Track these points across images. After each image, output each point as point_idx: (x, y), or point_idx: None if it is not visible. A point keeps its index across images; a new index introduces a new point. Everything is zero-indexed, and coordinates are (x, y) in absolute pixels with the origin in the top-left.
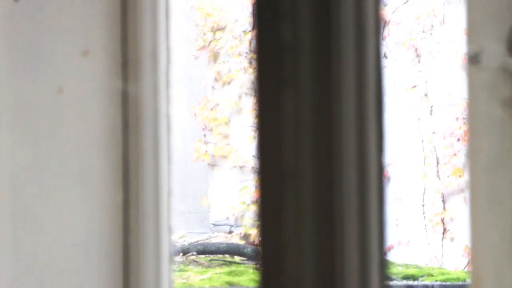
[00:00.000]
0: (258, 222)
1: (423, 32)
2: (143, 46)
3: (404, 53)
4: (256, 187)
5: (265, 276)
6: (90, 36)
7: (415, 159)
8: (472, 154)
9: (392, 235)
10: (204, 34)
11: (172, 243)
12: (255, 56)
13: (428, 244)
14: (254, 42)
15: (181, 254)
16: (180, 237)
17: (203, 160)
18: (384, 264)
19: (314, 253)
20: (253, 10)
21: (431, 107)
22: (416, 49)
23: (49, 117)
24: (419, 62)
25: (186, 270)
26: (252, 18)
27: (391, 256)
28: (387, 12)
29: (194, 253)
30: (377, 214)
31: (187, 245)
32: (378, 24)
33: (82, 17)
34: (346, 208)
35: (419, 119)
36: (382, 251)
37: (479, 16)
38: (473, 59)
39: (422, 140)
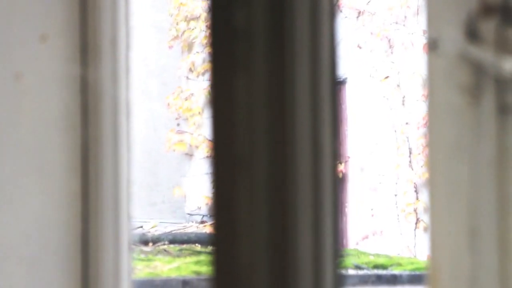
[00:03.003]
0: (211, 210)
1: (396, 23)
2: (102, 32)
3: (378, 44)
4: (210, 174)
5: (217, 264)
6: (49, 22)
7: (388, 149)
8: (431, 142)
9: (367, 225)
10: (178, 23)
11: (131, 232)
12: (208, 41)
13: (401, 234)
14: (208, 27)
15: (150, 243)
16: (151, 227)
17: (174, 150)
18: (338, 253)
19: (267, 241)
20: None
21: (404, 97)
22: (389, 40)
23: (5, 104)
24: (392, 53)
25: (155, 260)
26: (206, 3)
27: (364, 246)
28: (361, 2)
29: (166, 242)
30: (331, 201)
31: (156, 234)
32: (333, 8)
33: (40, 2)
34: (300, 195)
35: (391, 109)
36: (336, 240)
37: (438, 2)
38: (432, 46)
39: (395, 131)
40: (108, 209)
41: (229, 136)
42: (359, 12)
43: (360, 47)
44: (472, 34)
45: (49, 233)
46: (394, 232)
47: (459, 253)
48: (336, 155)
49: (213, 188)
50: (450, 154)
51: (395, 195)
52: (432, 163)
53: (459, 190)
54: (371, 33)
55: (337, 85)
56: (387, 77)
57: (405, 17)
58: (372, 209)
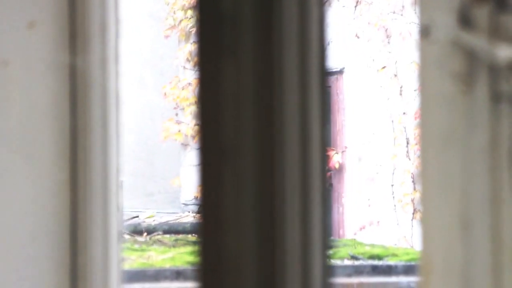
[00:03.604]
0: (199, 199)
1: (394, 13)
2: (91, 19)
3: (375, 34)
4: (197, 163)
5: (204, 255)
6: (37, 8)
7: (385, 139)
8: (424, 131)
9: (364, 216)
10: (174, 12)
11: (121, 221)
12: (196, 27)
13: (398, 224)
14: (195, 13)
15: (145, 234)
16: (148, 217)
17: (172, 140)
18: (327, 243)
19: (254, 231)
20: None
21: (401, 87)
22: (386, 30)
23: None
24: (389, 42)
25: (149, 250)
26: None
27: (361, 236)
28: None
29: (160, 232)
30: (319, 191)
31: (152, 225)
32: None
33: None
34: (287, 185)
35: (388, 99)
36: (325, 230)
37: None
38: (424, 32)
39: (392, 121)
40: (97, 198)
41: (216, 125)
42: (357, 2)
43: (357, 37)
44: (465, 20)
45: (38, 222)
46: (391, 222)
47: (452, 244)
48: (325, 145)
49: (200, 177)
50: (443, 143)
51: (392, 185)
52: (425, 153)
53: (451, 180)
54: (369, 23)
55: (326, 73)
56: (384, 67)
57: (403, 6)
58: (369, 199)
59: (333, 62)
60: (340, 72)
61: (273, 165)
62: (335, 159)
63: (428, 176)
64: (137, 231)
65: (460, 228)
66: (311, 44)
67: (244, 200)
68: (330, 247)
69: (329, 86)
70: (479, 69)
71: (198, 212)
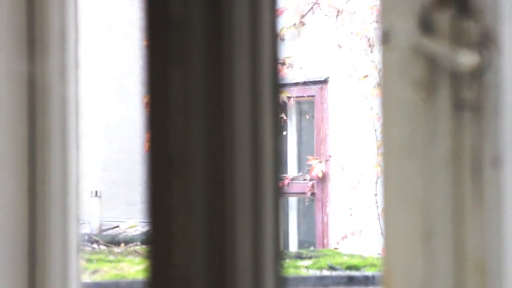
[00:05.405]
0: (146, 211)
1: (376, 22)
2: (50, 26)
3: (357, 43)
4: (144, 173)
5: (153, 268)
6: None
7: (368, 148)
8: (385, 139)
9: (347, 225)
10: None
11: (80, 234)
12: (143, 31)
13: (381, 233)
14: (143, 16)
15: (123, 244)
16: (129, 227)
17: None
18: (279, 255)
19: (204, 244)
20: None
21: None
22: (368, 39)
23: None
24: (371, 52)
25: (124, 261)
26: None
27: (343, 246)
28: (341, 1)
29: (138, 243)
30: (272, 202)
31: (130, 235)
32: None
33: None
34: (238, 196)
35: (371, 108)
36: (277, 242)
37: None
38: (385, 38)
39: (375, 130)
40: (56, 210)
41: (165, 135)
42: (339, 11)
43: (340, 47)
44: (426, 26)
45: None
46: (375, 231)
47: (413, 255)
48: (278, 155)
49: (148, 188)
50: (404, 152)
51: (376, 194)
52: (386, 162)
53: (413, 189)
54: (351, 32)
55: (279, 81)
56: (366, 76)
57: None
58: (351, 209)
59: (316, 72)
60: (325, 81)
61: (224, 176)
62: (319, 168)
63: (389, 186)
64: (114, 241)
65: (421, 239)
66: (263, 50)
67: (194, 212)
68: (283, 259)
69: (313, 95)
70: (440, 76)
71: (146, 224)
